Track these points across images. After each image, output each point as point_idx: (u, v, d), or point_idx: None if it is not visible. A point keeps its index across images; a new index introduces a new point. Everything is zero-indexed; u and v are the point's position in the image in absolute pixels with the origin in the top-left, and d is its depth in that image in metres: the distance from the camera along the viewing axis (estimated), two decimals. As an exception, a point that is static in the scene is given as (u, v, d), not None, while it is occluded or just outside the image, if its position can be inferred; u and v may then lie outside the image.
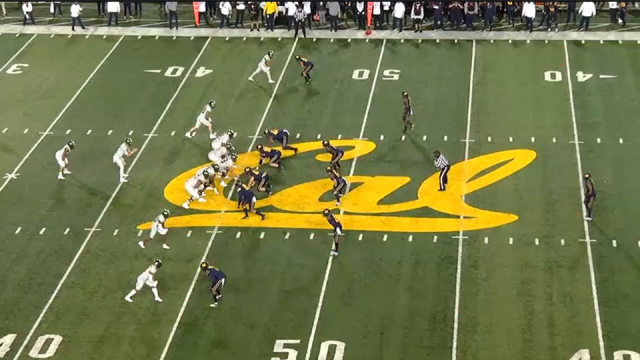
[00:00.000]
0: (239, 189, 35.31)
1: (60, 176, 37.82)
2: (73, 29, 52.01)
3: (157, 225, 33.26)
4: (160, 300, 30.80)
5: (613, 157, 38.93)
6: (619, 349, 28.47)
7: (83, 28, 52.00)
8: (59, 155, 37.79)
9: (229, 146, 38.30)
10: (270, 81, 45.41)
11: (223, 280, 30.56)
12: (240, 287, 31.50)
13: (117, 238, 34.36)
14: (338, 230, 32.85)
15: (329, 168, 36.39)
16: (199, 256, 33.09)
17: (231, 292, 31.13)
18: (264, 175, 36.28)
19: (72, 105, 44.07)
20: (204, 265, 30.91)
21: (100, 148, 39.84)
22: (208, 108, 40.56)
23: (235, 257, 33.31)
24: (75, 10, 51.64)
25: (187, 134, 40.64)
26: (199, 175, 36.06)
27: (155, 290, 30.79)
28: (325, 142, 38.38)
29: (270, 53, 45.81)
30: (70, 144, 38.08)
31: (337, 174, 36.02)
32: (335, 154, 38.02)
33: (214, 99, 41.66)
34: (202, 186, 36.02)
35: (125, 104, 44.28)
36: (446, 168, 36.61)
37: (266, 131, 39.64)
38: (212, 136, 39.77)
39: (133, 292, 30.83)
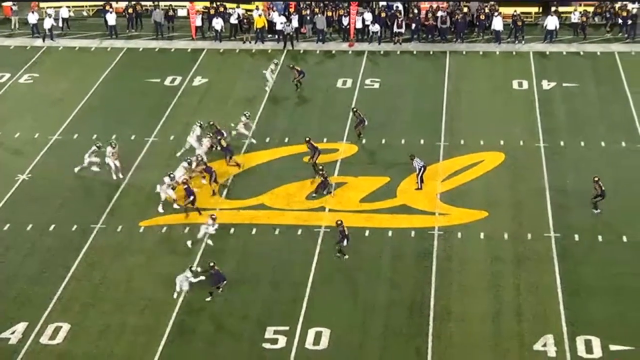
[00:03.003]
0: (186, 187, 34.89)
1: (93, 168, 38.00)
2: (44, 40, 51.64)
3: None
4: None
5: (575, 159, 38.90)
6: (581, 335, 28.53)
7: (52, 40, 51.59)
8: (86, 155, 37.84)
9: (208, 132, 38.13)
10: (266, 89, 45.29)
11: (224, 283, 30.47)
12: (234, 279, 31.35)
13: (120, 234, 34.27)
14: (345, 241, 32.29)
15: (314, 165, 36.30)
16: (196, 251, 32.99)
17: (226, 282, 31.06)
18: (213, 170, 36.11)
19: (79, 112, 43.86)
20: (211, 264, 30.57)
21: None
22: (197, 131, 39.01)
23: (230, 251, 33.23)
24: (48, 22, 51.37)
25: (177, 155, 38.99)
26: (182, 166, 36.12)
27: (186, 286, 30.51)
28: (307, 139, 38.16)
29: (275, 62, 46.00)
30: (98, 145, 38.12)
31: (321, 169, 35.89)
32: (313, 152, 37.81)
33: (201, 120, 40.19)
34: (186, 177, 35.71)
35: (128, 110, 44.06)
36: (423, 169, 36.58)
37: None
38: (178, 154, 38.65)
39: (177, 291, 30.59)
